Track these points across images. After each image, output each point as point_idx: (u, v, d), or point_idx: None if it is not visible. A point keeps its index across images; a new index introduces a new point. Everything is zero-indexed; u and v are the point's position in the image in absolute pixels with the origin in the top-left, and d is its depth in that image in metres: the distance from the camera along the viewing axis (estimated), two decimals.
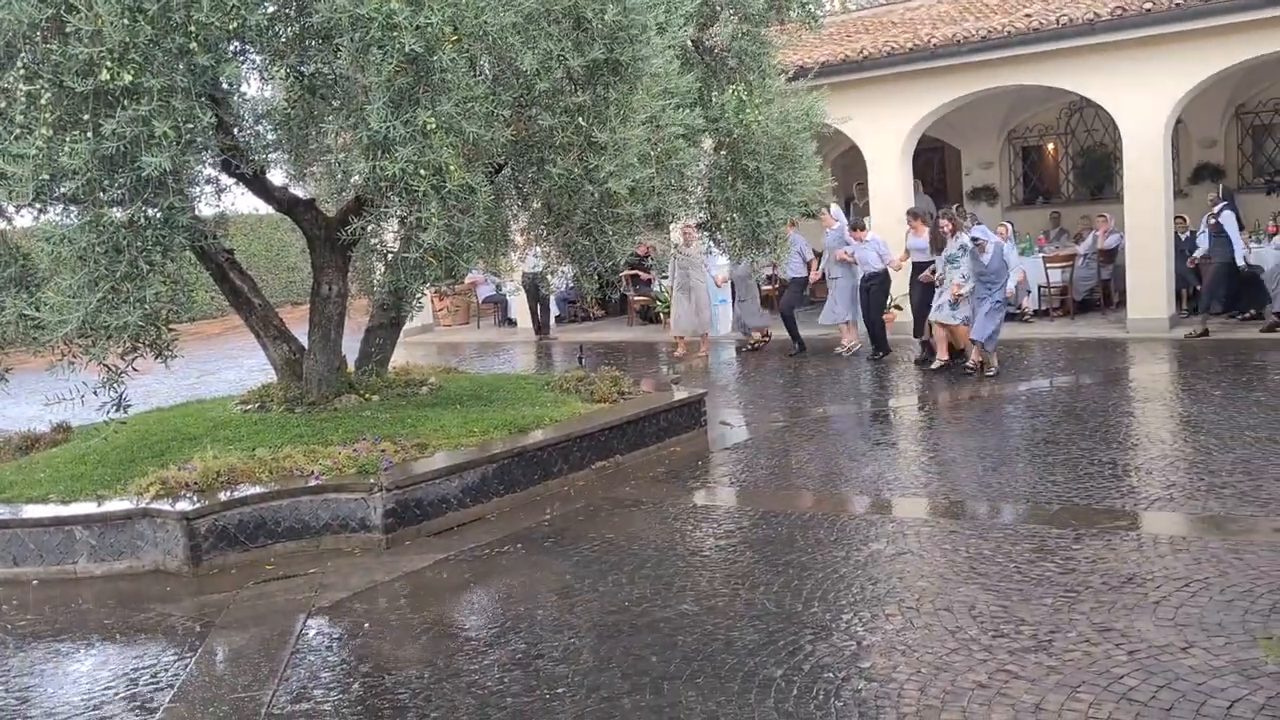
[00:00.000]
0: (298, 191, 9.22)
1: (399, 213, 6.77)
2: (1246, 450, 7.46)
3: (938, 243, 11.79)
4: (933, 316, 11.64)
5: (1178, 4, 12.37)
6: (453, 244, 6.50)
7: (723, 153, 9.30)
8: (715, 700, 4.25)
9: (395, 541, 6.74)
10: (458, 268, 7.38)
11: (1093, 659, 4.34)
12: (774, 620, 5.04)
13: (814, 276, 14.22)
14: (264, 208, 9.58)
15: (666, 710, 4.22)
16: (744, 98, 8.59)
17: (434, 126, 6.08)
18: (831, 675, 4.40)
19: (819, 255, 14.34)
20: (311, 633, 5.43)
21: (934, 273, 11.81)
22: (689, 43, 8.95)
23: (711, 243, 10.90)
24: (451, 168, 6.21)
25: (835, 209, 13.02)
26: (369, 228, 7.28)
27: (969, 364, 11.37)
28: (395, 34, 5.77)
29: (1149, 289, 13.37)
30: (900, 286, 13.18)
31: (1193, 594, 4.94)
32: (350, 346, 9.30)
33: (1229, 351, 11.70)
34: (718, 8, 9.16)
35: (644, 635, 5.00)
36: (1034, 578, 5.32)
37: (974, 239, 11.16)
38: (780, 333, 14.40)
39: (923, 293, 12.15)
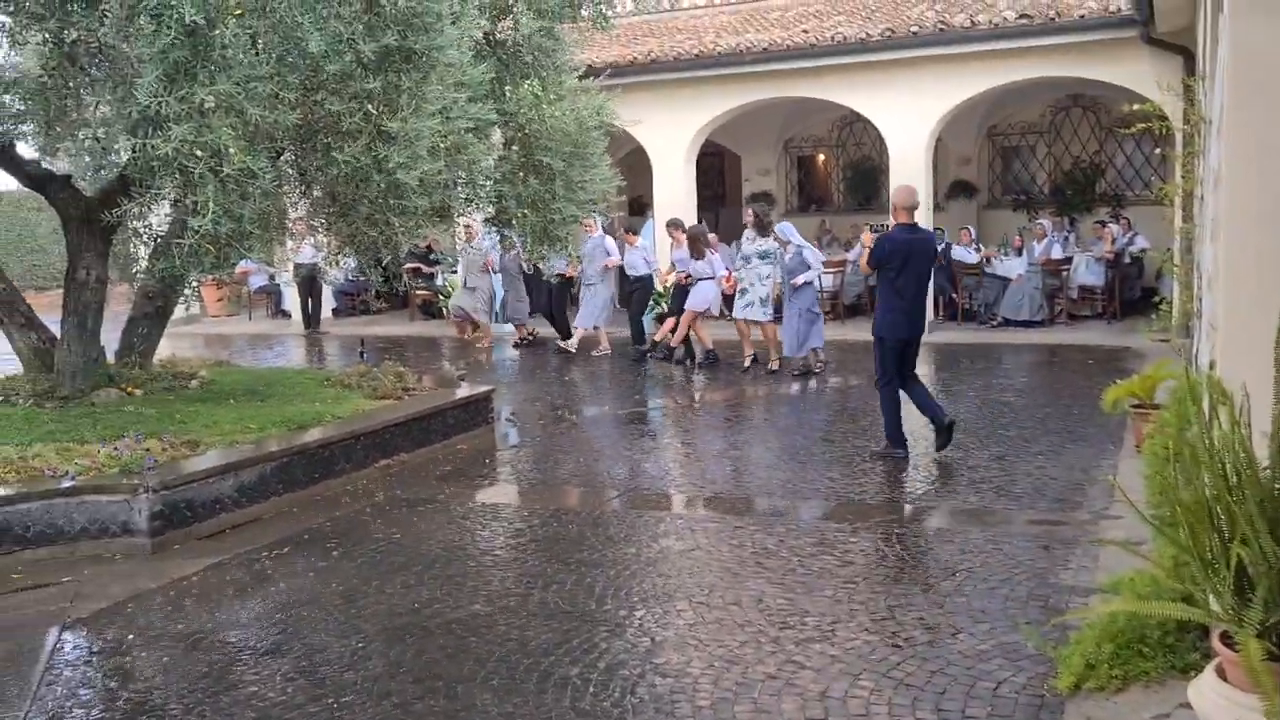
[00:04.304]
0: (50, 167, 8.50)
1: (172, 195, 6.33)
2: (1000, 448, 8.03)
3: (697, 252, 12.18)
4: (739, 314, 11.91)
5: (942, 28, 13.23)
6: (233, 230, 6.14)
7: (514, 148, 9.23)
8: (511, 702, 4.20)
9: (162, 546, 6.31)
10: (233, 256, 7.00)
11: (872, 647, 4.56)
12: (568, 619, 5.02)
13: (570, 272, 14.37)
14: (3, 184, 8.81)
15: (461, 714, 4.13)
16: (538, 93, 8.55)
17: (213, 105, 5.74)
18: (627, 672, 4.43)
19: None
20: (68, 647, 5.00)
21: (688, 278, 12.19)
22: (481, 36, 8.83)
23: (499, 238, 10.81)
24: (231, 150, 5.87)
25: (597, 217, 13.15)
26: (135, 210, 6.79)
27: (772, 365, 11.64)
28: (173, 2, 5.39)
29: None
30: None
31: (959, 583, 5.27)
32: (108, 338, 8.65)
33: (979, 355, 12.59)
34: (512, 1, 9.08)
35: (435, 638, 4.88)
36: (816, 570, 5.54)
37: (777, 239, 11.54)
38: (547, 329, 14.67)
39: (680, 301, 12.48)
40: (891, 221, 8.10)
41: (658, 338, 12.76)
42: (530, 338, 14.62)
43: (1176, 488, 3.54)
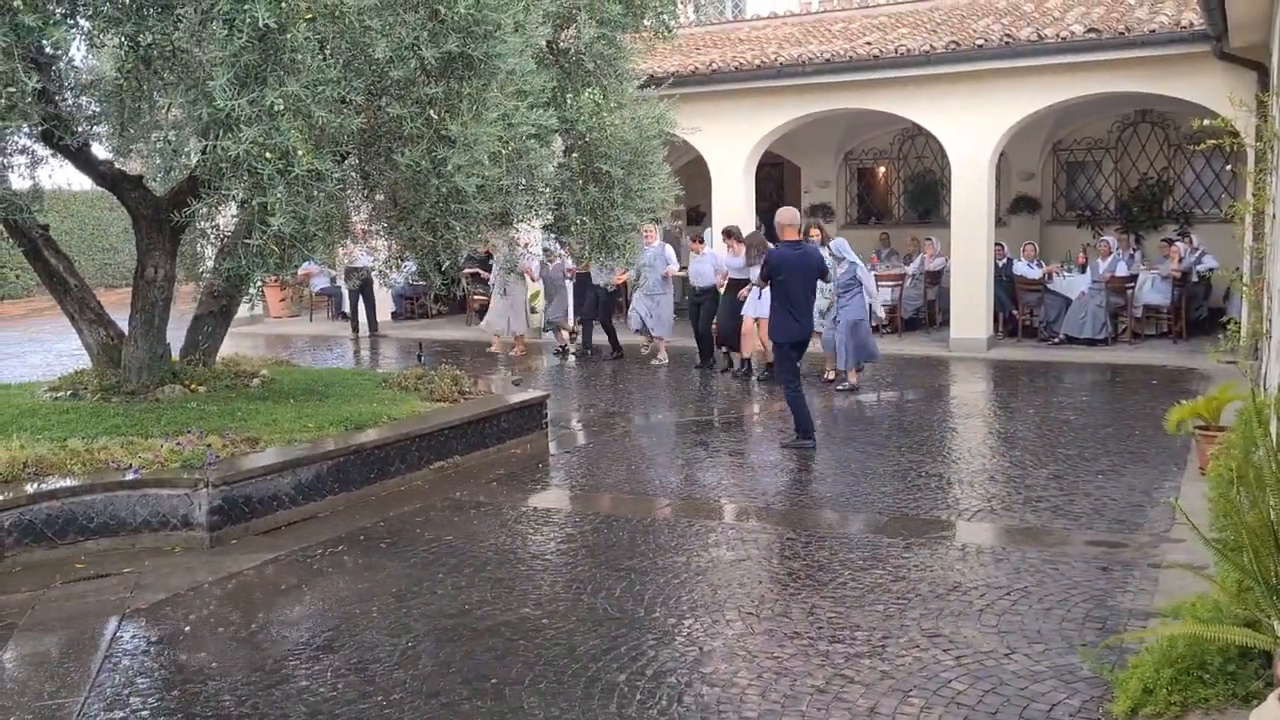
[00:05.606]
0: (122, 167, 8.70)
1: (239, 196, 6.45)
2: (1059, 466, 7.90)
3: (751, 259, 12.11)
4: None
5: (1008, 42, 13.07)
6: (298, 231, 6.24)
7: (574, 155, 9.27)
8: (558, 706, 4.21)
9: (220, 540, 6.42)
10: (296, 256, 7.11)
11: (923, 664, 4.50)
12: (616, 625, 5.02)
13: (617, 280, 14.37)
14: (78, 183, 9.08)
15: (508, 716, 4.15)
16: (599, 101, 8.59)
17: (282, 108, 5.83)
18: (674, 680, 4.42)
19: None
20: (127, 636, 5.10)
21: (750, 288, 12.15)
22: (544, 44, 8.89)
23: (557, 244, 10.87)
24: (300, 151, 5.96)
25: (657, 226, 13.15)
26: (203, 211, 6.92)
27: (851, 383, 11.55)
28: (246, 6, 5.50)
29: (970, 311, 14.05)
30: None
31: (1014, 602, 5.19)
32: (173, 336, 8.83)
33: (1039, 373, 12.40)
34: (575, 10, 9.13)
35: (484, 640, 4.91)
36: (867, 584, 5.49)
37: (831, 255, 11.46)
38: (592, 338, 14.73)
39: (734, 309, 12.43)
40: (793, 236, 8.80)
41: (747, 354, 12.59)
42: (566, 347, 14.64)
43: (1242, 511, 3.47)
